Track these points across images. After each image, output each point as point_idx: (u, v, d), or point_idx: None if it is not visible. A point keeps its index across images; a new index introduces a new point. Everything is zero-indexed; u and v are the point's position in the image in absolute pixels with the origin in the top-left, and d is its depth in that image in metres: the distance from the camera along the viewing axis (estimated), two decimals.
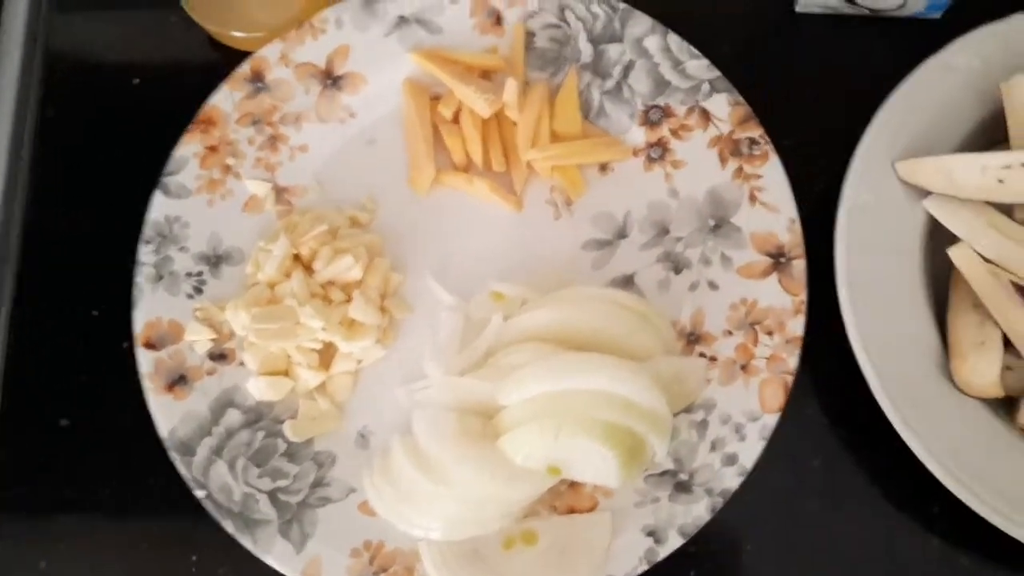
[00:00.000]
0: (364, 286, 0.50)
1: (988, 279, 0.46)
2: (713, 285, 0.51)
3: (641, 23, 0.55)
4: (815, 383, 0.51)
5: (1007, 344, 0.47)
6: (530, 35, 0.55)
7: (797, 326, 0.49)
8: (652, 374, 0.46)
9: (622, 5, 0.55)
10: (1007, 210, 0.48)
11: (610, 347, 0.47)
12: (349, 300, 0.50)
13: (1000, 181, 0.46)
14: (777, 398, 0.48)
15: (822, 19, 0.58)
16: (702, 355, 0.50)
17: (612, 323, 0.47)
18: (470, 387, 0.47)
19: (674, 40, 0.54)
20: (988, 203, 0.48)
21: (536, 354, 0.46)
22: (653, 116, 0.54)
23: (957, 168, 0.47)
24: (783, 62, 0.58)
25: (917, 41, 0.53)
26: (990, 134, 0.50)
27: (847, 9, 0.57)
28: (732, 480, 0.47)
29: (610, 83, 0.54)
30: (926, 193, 0.49)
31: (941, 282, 0.49)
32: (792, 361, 0.49)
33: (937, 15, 0.57)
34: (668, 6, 0.56)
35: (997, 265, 0.46)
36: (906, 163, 0.49)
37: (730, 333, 0.50)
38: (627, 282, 0.52)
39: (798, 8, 0.58)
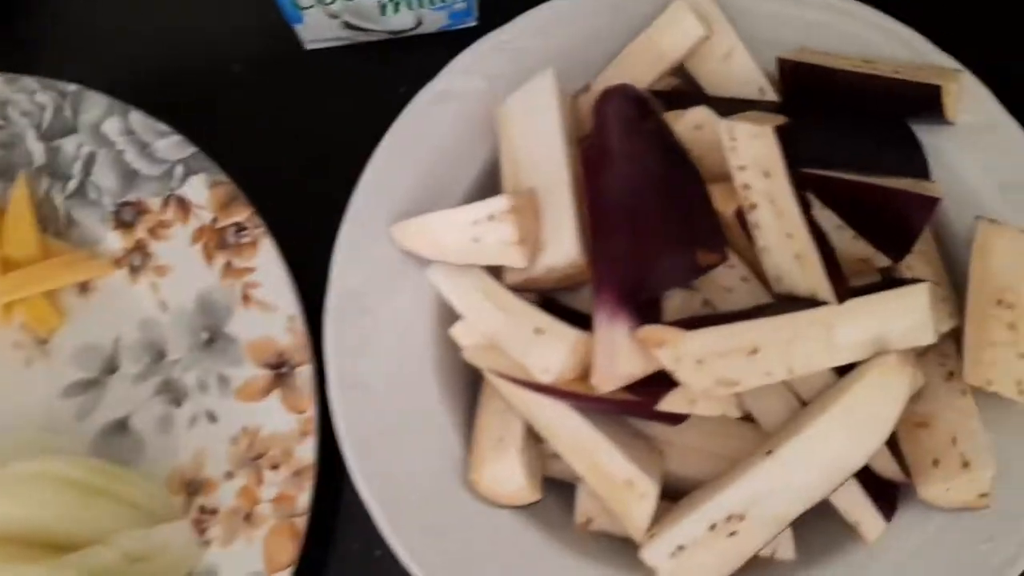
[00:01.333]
0: None
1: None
2: (212, 416, 0.41)
3: (96, 105, 0.44)
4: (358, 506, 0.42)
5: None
6: None
7: (306, 451, 0.40)
8: (89, 567, 0.36)
9: (72, 87, 0.45)
10: (498, 274, 0.39)
11: (53, 536, 0.37)
12: None
13: (476, 240, 0.37)
14: (286, 551, 0.38)
15: (341, 52, 0.48)
16: (203, 508, 0.40)
17: (49, 508, 0.38)
18: None
19: (137, 119, 0.44)
20: (483, 268, 0.38)
21: None
22: (127, 216, 0.44)
23: (437, 228, 0.38)
24: (298, 116, 0.48)
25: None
26: None
27: (360, 36, 0.47)
28: None
29: (72, 184, 0.44)
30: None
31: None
32: (303, 498, 0.39)
33: (472, 23, 0.48)
34: (147, 74, 0.47)
35: (496, 343, 0.37)
36: (399, 226, 0.40)
37: (231, 475, 0.40)
38: (120, 428, 0.42)
39: (308, 46, 0.48)
